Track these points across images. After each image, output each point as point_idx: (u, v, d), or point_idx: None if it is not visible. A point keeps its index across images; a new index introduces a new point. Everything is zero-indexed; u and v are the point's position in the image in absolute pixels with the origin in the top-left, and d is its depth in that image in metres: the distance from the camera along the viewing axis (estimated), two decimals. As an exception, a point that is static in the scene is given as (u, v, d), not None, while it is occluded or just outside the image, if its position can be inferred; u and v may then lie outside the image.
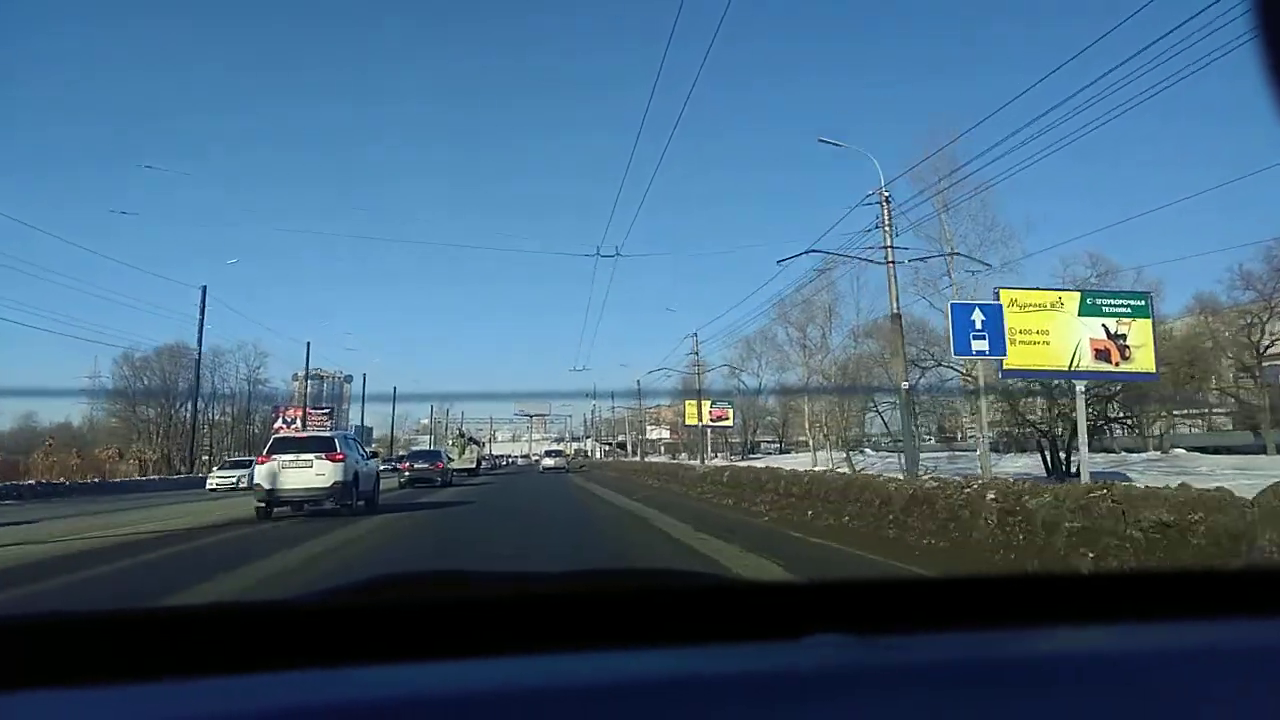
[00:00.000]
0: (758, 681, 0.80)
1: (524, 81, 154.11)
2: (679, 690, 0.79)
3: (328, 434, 20.54)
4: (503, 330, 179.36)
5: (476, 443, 56.18)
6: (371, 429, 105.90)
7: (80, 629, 0.88)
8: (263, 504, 16.59)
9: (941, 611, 1.00)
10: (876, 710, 0.76)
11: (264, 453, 17.75)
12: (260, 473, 16.96)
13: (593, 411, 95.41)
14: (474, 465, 48.97)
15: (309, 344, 55.33)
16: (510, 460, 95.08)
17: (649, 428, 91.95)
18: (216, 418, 65.73)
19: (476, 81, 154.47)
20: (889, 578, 1.30)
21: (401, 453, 50.35)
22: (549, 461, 57.90)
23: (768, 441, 73.91)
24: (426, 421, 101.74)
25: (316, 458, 16.76)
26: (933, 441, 64.24)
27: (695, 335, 46.66)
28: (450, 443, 52.17)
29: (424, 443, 73.20)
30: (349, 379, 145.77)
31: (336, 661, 0.84)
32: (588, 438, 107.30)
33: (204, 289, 46.68)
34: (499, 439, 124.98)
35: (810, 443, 44.81)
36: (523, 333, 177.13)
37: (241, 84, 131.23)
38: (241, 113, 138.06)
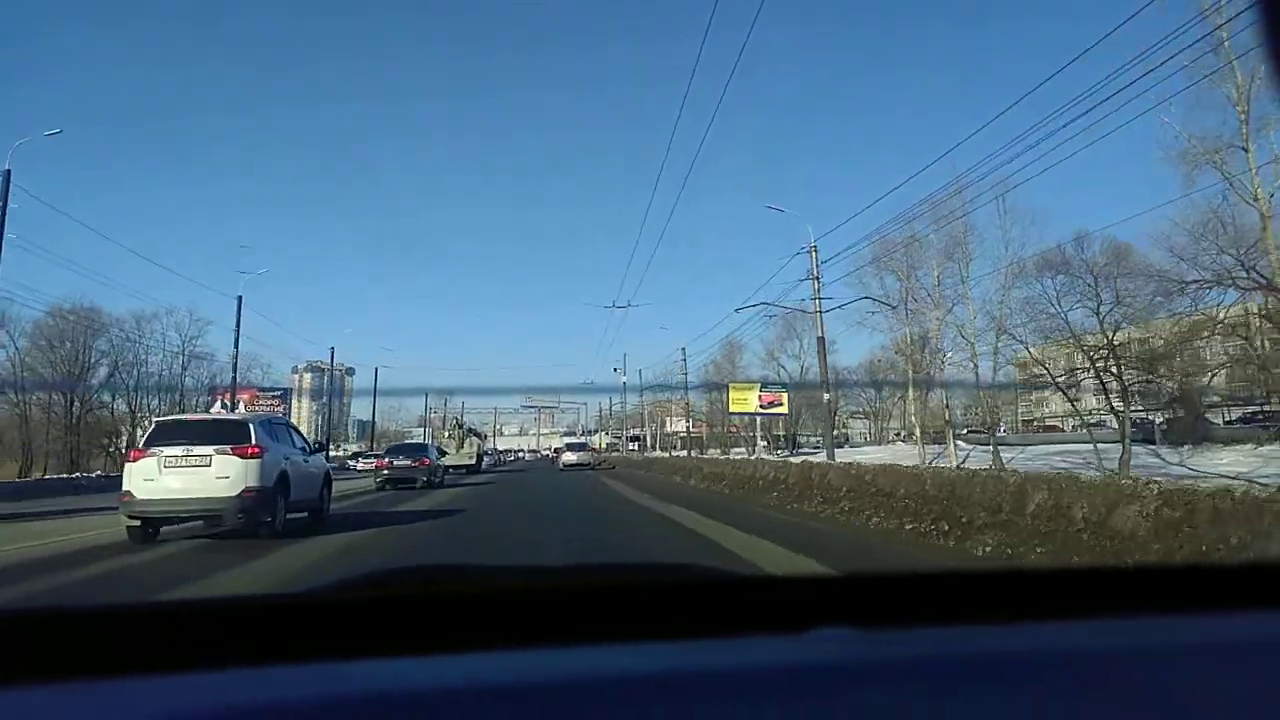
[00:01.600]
0: (760, 675, 0.80)
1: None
2: (682, 684, 0.79)
3: (238, 417, 13.30)
4: (515, 323, 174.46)
5: (478, 434, 48.31)
6: (374, 423, 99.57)
7: (81, 623, 0.88)
8: (136, 522, 10.95)
9: (945, 605, 1.00)
10: (879, 703, 0.76)
11: (140, 444, 11.70)
12: (131, 474, 11.08)
13: (617, 398, 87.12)
14: (474, 461, 41.61)
15: (240, 299, 40.76)
16: (517, 455, 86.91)
17: (665, 420, 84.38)
18: (148, 405, 51.32)
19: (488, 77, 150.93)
20: (892, 572, 1.23)
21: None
22: (571, 457, 45.66)
23: (806, 434, 65.54)
24: (447, 420, 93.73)
25: (217, 452, 11.02)
26: (1000, 432, 56.68)
27: (813, 249, 27.71)
28: (447, 434, 44.72)
29: (419, 436, 65.44)
30: (351, 372, 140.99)
31: (333, 655, 0.83)
32: (598, 431, 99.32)
33: (6, 174, 23.68)
34: (505, 433, 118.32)
35: (916, 433, 35.21)
36: (536, 325, 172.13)
37: (249, 83, 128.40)
38: (244, 112, 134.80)
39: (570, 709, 0.73)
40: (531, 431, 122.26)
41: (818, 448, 58.69)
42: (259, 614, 0.94)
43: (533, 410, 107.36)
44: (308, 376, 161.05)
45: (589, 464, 44.44)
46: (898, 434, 73.08)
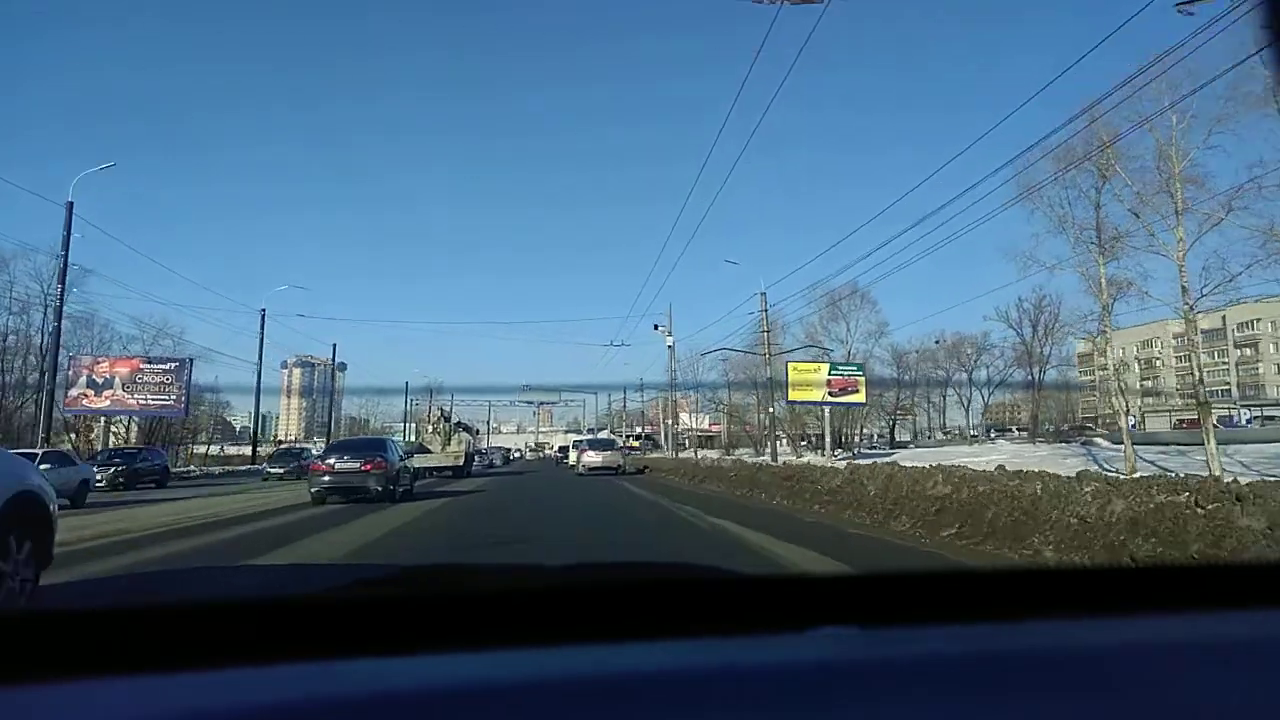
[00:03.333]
0: (760, 674, 0.80)
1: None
2: (681, 683, 0.79)
3: None
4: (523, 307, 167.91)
5: (467, 429, 39.81)
6: (368, 420, 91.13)
7: (82, 623, 0.89)
8: None
9: (947, 604, 1.01)
10: (879, 702, 0.76)
11: None
12: None
13: (633, 389, 78.31)
14: (460, 461, 33.27)
15: (69, 205, 29.07)
16: (516, 454, 77.96)
17: (684, 417, 75.89)
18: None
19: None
20: (893, 571, 1.13)
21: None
22: (594, 457, 32.85)
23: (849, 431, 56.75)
24: (430, 411, 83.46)
25: None
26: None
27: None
28: (430, 428, 36.35)
29: (402, 431, 57.02)
30: (343, 367, 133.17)
31: (336, 655, 0.84)
32: (603, 429, 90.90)
33: None
34: (502, 431, 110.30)
35: (1123, 422, 24.20)
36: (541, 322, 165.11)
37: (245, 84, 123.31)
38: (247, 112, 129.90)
39: (570, 708, 0.73)
40: (530, 429, 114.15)
41: (875, 448, 48.75)
42: (262, 613, 0.92)
43: (531, 405, 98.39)
44: (297, 373, 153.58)
45: (616, 467, 32.48)
46: (991, 431, 63.44)
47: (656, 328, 44.45)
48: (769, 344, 29.26)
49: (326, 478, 18.19)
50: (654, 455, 51.06)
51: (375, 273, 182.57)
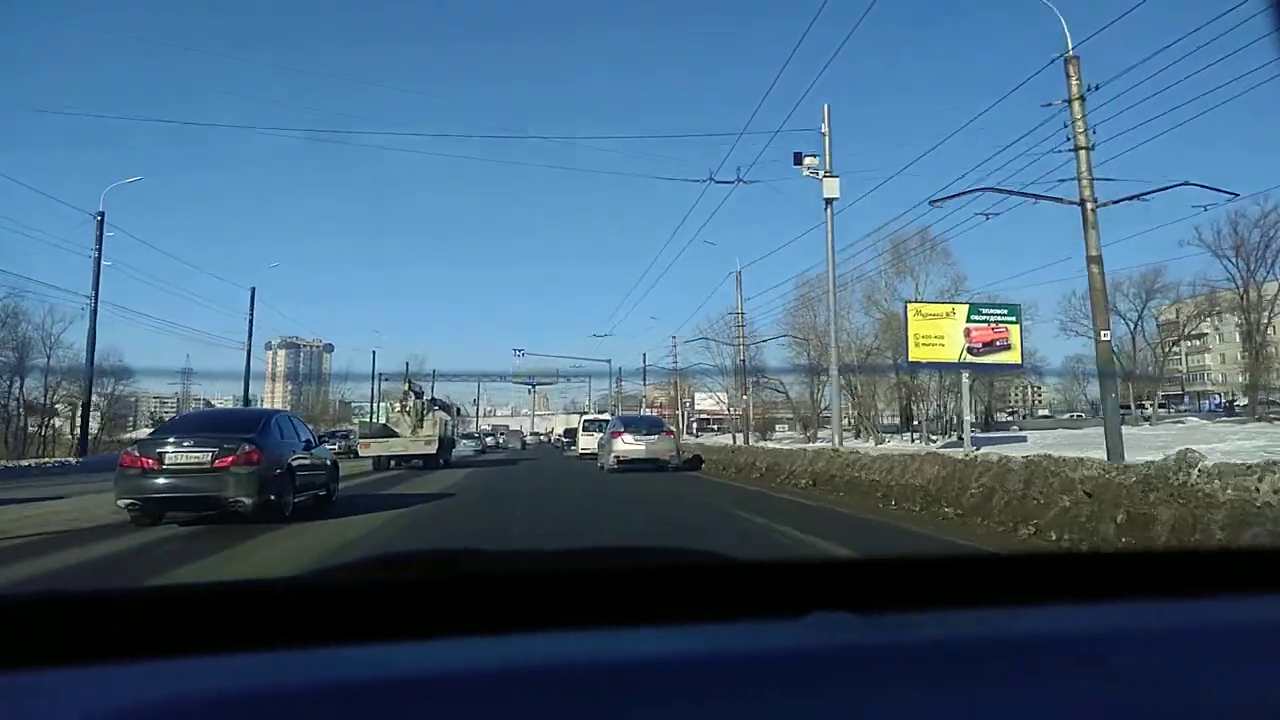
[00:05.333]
0: (757, 659, 0.81)
1: None
2: (678, 668, 0.79)
3: None
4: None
5: (444, 406, 30.93)
6: (359, 407, 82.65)
7: (70, 609, 0.88)
8: None
9: (945, 590, 1.01)
10: (877, 687, 0.77)
11: None
12: None
13: (654, 354, 69.26)
14: (433, 448, 24.82)
15: None
16: (523, 440, 68.54)
17: (699, 397, 67.27)
18: None
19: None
20: (892, 556, 1.18)
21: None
22: (633, 445, 21.10)
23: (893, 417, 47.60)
24: (409, 392, 73.65)
25: None
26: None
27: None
28: (399, 405, 27.75)
29: (371, 414, 48.13)
30: (330, 349, 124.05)
31: (330, 641, 0.83)
32: (603, 412, 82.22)
33: None
34: (497, 414, 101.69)
35: None
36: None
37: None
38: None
39: (561, 693, 0.73)
40: (524, 411, 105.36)
41: (1008, 425, 37.66)
42: (264, 598, 0.92)
43: (527, 385, 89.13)
44: (282, 354, 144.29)
45: (666, 461, 21.28)
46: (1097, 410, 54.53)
47: (799, 160, 20.91)
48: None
49: (159, 480, 9.53)
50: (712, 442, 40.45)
51: (366, 261, 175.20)
